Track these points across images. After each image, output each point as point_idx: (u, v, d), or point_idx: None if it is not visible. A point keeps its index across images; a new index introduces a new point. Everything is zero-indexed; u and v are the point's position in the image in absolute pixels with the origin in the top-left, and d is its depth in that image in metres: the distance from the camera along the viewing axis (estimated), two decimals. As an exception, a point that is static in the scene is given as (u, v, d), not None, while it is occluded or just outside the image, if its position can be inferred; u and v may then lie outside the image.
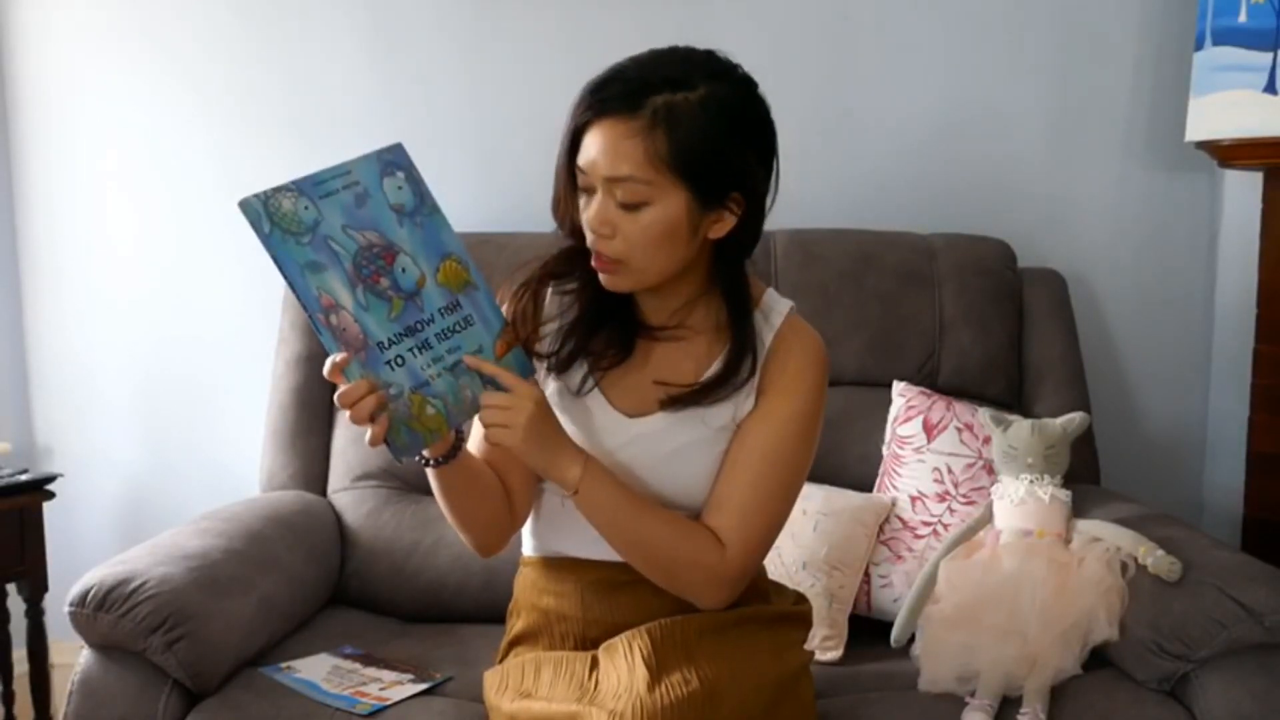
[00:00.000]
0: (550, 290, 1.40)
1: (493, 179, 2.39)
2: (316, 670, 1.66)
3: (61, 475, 2.23)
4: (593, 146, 1.25)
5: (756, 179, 1.29)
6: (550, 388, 1.39)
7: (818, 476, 1.93)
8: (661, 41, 1.30)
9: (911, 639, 1.74)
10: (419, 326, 1.21)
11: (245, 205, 1.13)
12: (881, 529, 1.92)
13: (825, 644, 1.81)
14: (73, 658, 1.65)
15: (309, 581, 1.90)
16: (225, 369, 2.48)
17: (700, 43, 1.30)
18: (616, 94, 1.24)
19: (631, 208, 1.25)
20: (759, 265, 2.09)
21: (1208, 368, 2.36)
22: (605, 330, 1.37)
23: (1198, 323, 2.36)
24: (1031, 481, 1.77)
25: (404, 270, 1.20)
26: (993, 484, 1.85)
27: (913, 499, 1.93)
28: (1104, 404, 2.28)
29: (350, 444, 2.11)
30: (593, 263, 1.30)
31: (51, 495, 2.19)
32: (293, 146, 2.41)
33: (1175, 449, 2.38)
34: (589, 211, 1.28)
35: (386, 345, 1.18)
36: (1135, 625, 1.57)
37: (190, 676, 1.56)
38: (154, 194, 2.48)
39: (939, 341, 2.11)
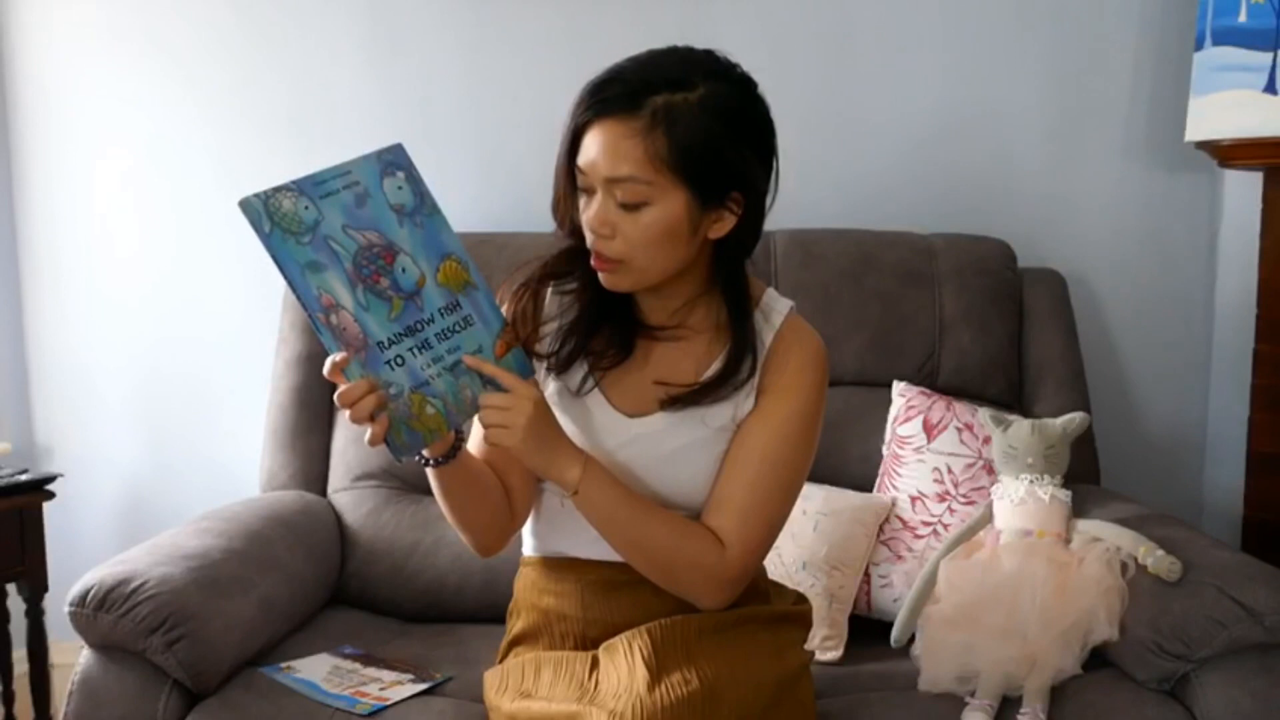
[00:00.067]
0: (550, 290, 1.40)
1: (493, 179, 2.39)
2: (316, 670, 1.66)
3: (61, 475, 2.23)
4: (592, 147, 1.25)
5: (756, 178, 1.29)
6: (550, 388, 1.39)
7: (818, 476, 1.93)
8: (661, 41, 1.30)
9: (911, 639, 1.74)
10: (419, 326, 1.21)
11: (245, 205, 1.13)
12: (881, 529, 1.92)
13: (825, 644, 1.82)
14: (73, 658, 1.65)
15: (309, 581, 1.90)
16: (225, 369, 2.48)
17: (700, 43, 1.30)
18: (616, 94, 1.24)
19: (631, 208, 1.25)
20: (759, 265, 2.09)
21: (1208, 368, 2.36)
22: (605, 330, 1.37)
23: (1198, 323, 2.36)
24: (1031, 481, 1.77)
25: (404, 270, 1.20)
26: (993, 484, 1.85)
27: (913, 499, 1.93)
28: (1104, 404, 2.28)
29: (350, 444, 2.11)
30: (592, 262, 1.30)
31: (51, 495, 2.19)
32: (293, 146, 2.41)
33: (1175, 449, 2.38)
34: (589, 212, 1.28)
35: (386, 345, 1.18)
36: (1135, 625, 1.57)
37: (190, 676, 1.56)
38: (154, 194, 2.48)
39: (939, 341, 2.11)
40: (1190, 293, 2.36)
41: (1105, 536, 1.69)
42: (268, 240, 1.13)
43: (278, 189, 1.15)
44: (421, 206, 1.23)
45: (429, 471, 1.31)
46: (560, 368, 1.37)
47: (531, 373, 1.31)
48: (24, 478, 2.16)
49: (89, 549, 2.38)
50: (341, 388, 1.17)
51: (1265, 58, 1.97)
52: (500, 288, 1.39)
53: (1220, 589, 1.52)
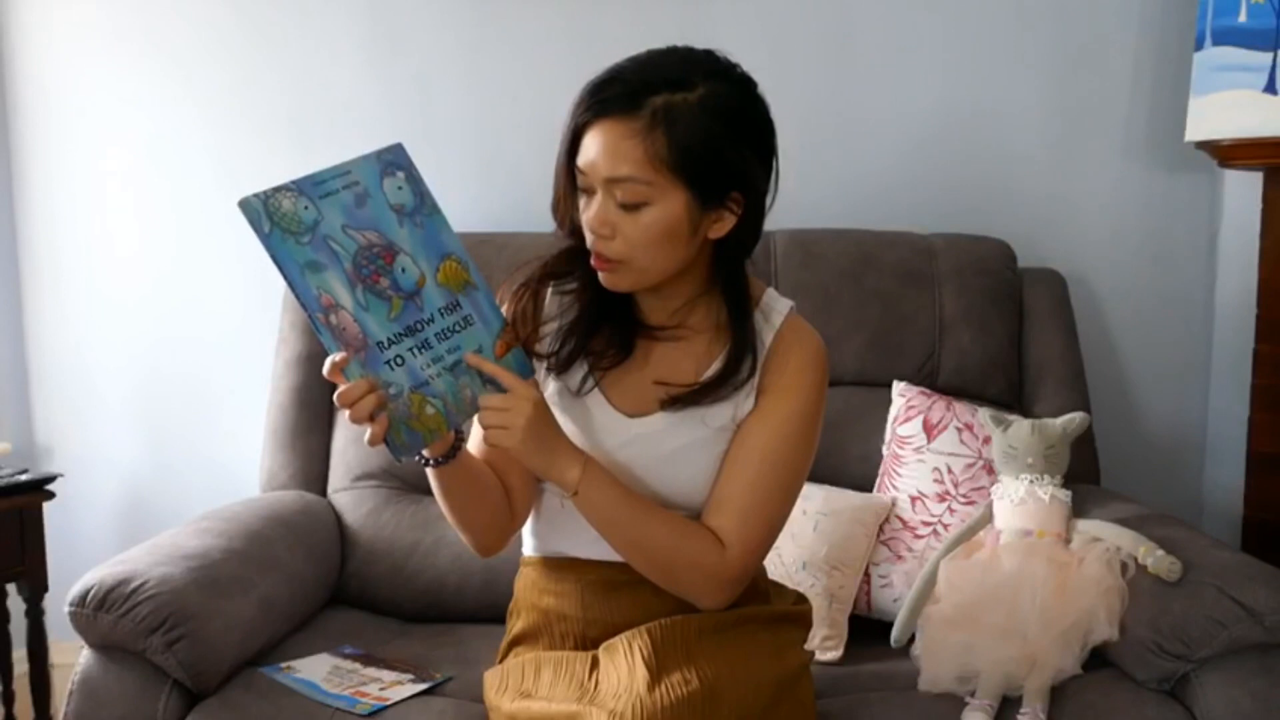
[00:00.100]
0: (550, 290, 1.40)
1: (493, 179, 2.39)
2: (316, 670, 1.66)
3: (61, 475, 2.23)
4: (592, 147, 1.25)
5: (756, 178, 1.29)
6: (550, 388, 1.39)
7: (818, 476, 1.93)
8: (661, 41, 1.30)
9: (911, 639, 1.74)
10: (419, 326, 1.21)
11: (245, 205, 1.13)
12: (881, 529, 1.92)
13: (825, 644, 1.82)
14: (73, 658, 1.65)
15: (309, 581, 1.90)
16: (225, 369, 2.48)
17: (700, 43, 1.30)
18: (616, 95, 1.23)
19: (631, 208, 1.25)
20: (759, 265, 2.09)
21: (1208, 368, 2.36)
22: (605, 330, 1.37)
23: (1198, 323, 2.36)
24: (1031, 481, 1.77)
25: (404, 270, 1.20)
26: (993, 484, 1.85)
27: (913, 499, 1.93)
28: (1104, 404, 2.28)
29: (350, 444, 2.11)
30: (592, 262, 1.30)
31: (51, 495, 2.19)
32: (293, 146, 2.41)
33: (1175, 449, 2.38)
34: (589, 212, 1.28)
35: (386, 345, 1.18)
36: (1135, 625, 1.57)
37: (190, 676, 1.56)
38: (154, 193, 2.48)
39: (939, 341, 2.11)
40: (1190, 293, 2.36)
41: (1105, 536, 1.69)
42: (267, 240, 1.13)
43: (277, 189, 1.15)
44: (421, 206, 1.23)
45: (429, 471, 1.31)
46: (560, 368, 1.37)
47: (531, 373, 1.31)
48: (24, 478, 2.16)
49: (89, 549, 2.38)
50: (341, 388, 1.17)
51: (1265, 58, 1.97)
52: (500, 288, 1.39)
53: (1220, 589, 1.52)
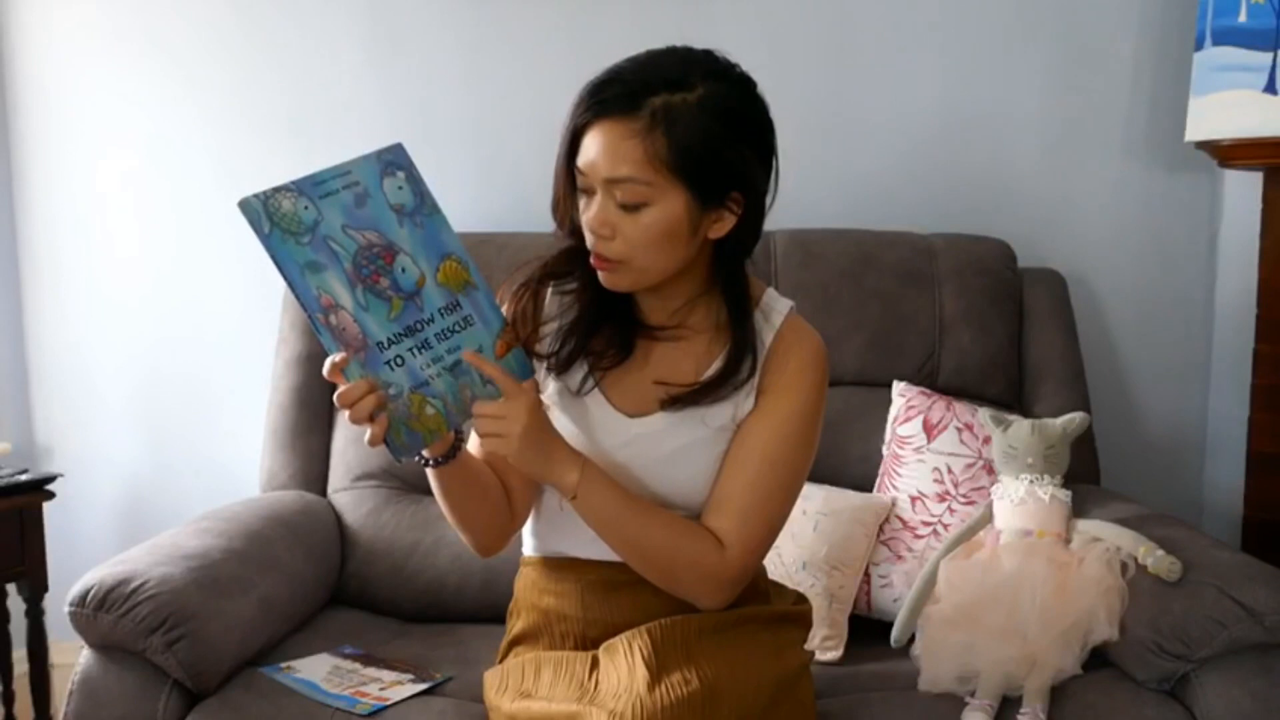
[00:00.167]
0: (550, 290, 1.40)
1: (493, 179, 2.39)
2: (316, 670, 1.66)
3: (61, 475, 2.23)
4: (592, 148, 1.25)
5: (756, 178, 1.29)
6: (550, 387, 1.39)
7: (818, 476, 1.93)
8: (661, 41, 1.30)
9: (911, 639, 1.74)
10: (419, 326, 1.21)
11: (245, 205, 1.13)
12: (881, 529, 1.92)
13: (825, 644, 1.82)
14: (73, 658, 1.65)
15: (309, 581, 1.90)
16: (225, 369, 2.48)
17: (700, 43, 1.30)
18: (615, 95, 1.23)
19: (631, 208, 1.25)
20: (759, 265, 2.09)
21: (1208, 368, 2.36)
22: (605, 330, 1.37)
23: (1198, 323, 2.36)
24: (1031, 481, 1.77)
25: (404, 270, 1.20)
26: (993, 484, 1.85)
27: (913, 499, 1.93)
28: (1104, 404, 2.28)
29: (350, 444, 2.11)
30: (592, 262, 1.30)
31: (51, 495, 2.19)
32: (293, 146, 2.41)
33: (1175, 449, 2.38)
34: (589, 213, 1.28)
35: (386, 345, 1.18)
36: (1135, 625, 1.57)
37: (190, 676, 1.56)
38: (154, 194, 2.48)
39: (939, 341, 2.11)
40: (1190, 293, 2.36)
41: (1105, 536, 1.69)
42: (267, 241, 1.13)
43: (277, 189, 1.15)
44: (421, 206, 1.23)
45: (429, 472, 1.31)
46: (560, 368, 1.37)
47: (532, 373, 1.31)
48: (24, 478, 2.16)
49: (89, 549, 2.38)
50: (341, 388, 1.17)
51: (1265, 58, 1.97)
52: (500, 288, 1.39)
53: (1220, 589, 1.52)
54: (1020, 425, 1.81)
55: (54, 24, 2.46)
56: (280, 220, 1.14)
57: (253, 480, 2.18)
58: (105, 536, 2.50)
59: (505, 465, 1.36)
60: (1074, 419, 1.82)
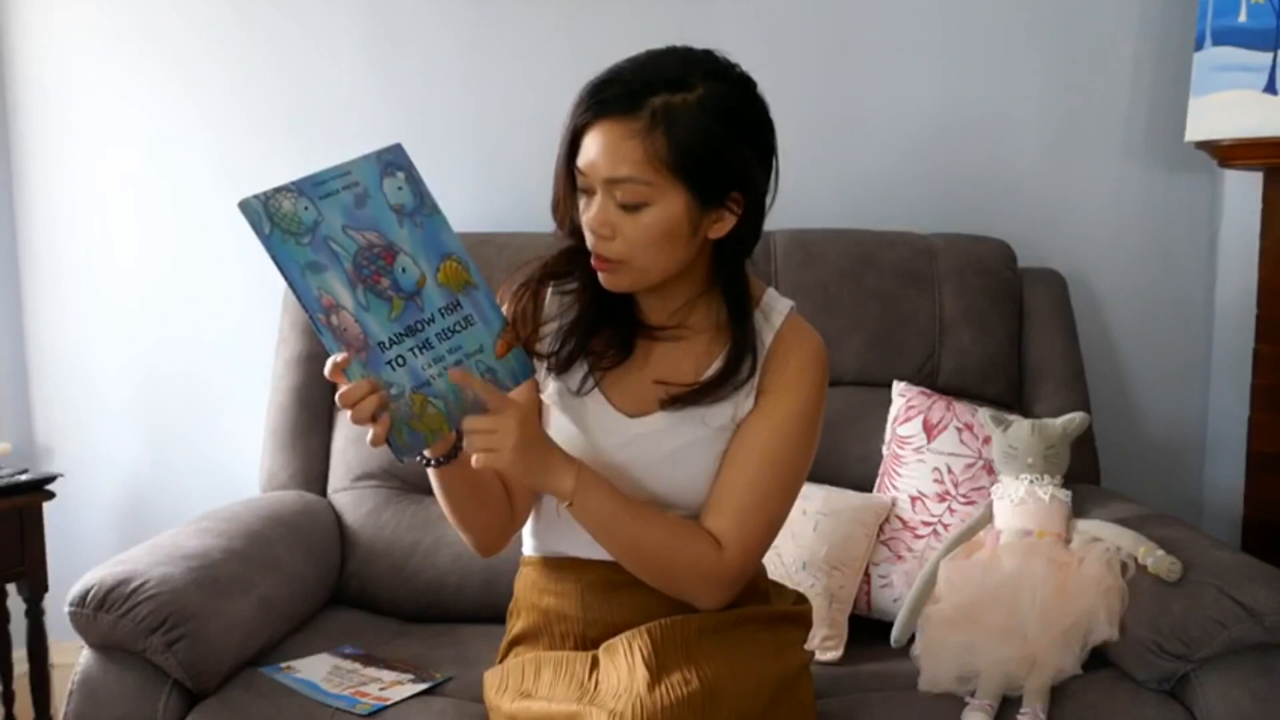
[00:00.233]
0: (550, 290, 1.40)
1: (493, 179, 2.39)
2: (316, 670, 1.66)
3: (61, 475, 2.23)
4: (592, 148, 1.25)
5: (756, 178, 1.29)
6: (550, 387, 1.39)
7: (818, 476, 1.93)
8: (661, 41, 1.30)
9: (911, 639, 1.74)
10: (419, 326, 1.21)
11: (245, 206, 1.13)
12: (881, 529, 1.92)
13: (825, 644, 1.82)
14: (73, 658, 1.65)
15: (309, 581, 1.90)
16: (225, 369, 2.48)
17: (700, 43, 1.30)
18: (615, 95, 1.23)
19: (631, 209, 1.25)
20: (759, 265, 2.09)
21: (1208, 368, 2.36)
22: (605, 330, 1.37)
23: (1198, 323, 2.36)
24: (1031, 481, 1.77)
25: (404, 270, 1.20)
26: (993, 484, 1.85)
27: (913, 499, 1.93)
28: (1104, 404, 2.28)
29: (350, 444, 2.11)
30: (592, 262, 1.30)
31: (51, 495, 2.19)
32: (293, 146, 2.41)
33: (1175, 449, 2.38)
34: (589, 213, 1.28)
35: (387, 345, 1.18)
36: (1135, 625, 1.57)
37: (190, 676, 1.56)
38: (154, 194, 2.48)
39: (939, 341, 2.11)
40: (1190, 293, 2.36)
41: (1105, 536, 1.69)
42: (268, 241, 1.13)
43: (277, 190, 1.15)
44: (421, 206, 1.23)
45: (430, 471, 1.31)
46: (560, 368, 1.37)
47: (532, 372, 1.31)
48: (24, 478, 2.16)
49: (89, 549, 2.38)
50: (343, 388, 1.17)
51: (1265, 58, 1.97)
52: (500, 288, 1.39)
53: (1220, 589, 1.52)
54: (1020, 425, 1.81)
55: (54, 24, 2.46)
56: (281, 221, 1.14)
57: (253, 480, 2.18)
58: (105, 536, 2.50)
59: (504, 468, 1.37)
60: (1074, 419, 1.82)
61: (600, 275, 1.31)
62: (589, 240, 1.29)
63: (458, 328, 1.23)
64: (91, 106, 2.47)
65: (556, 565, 1.42)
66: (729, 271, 1.34)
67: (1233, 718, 1.48)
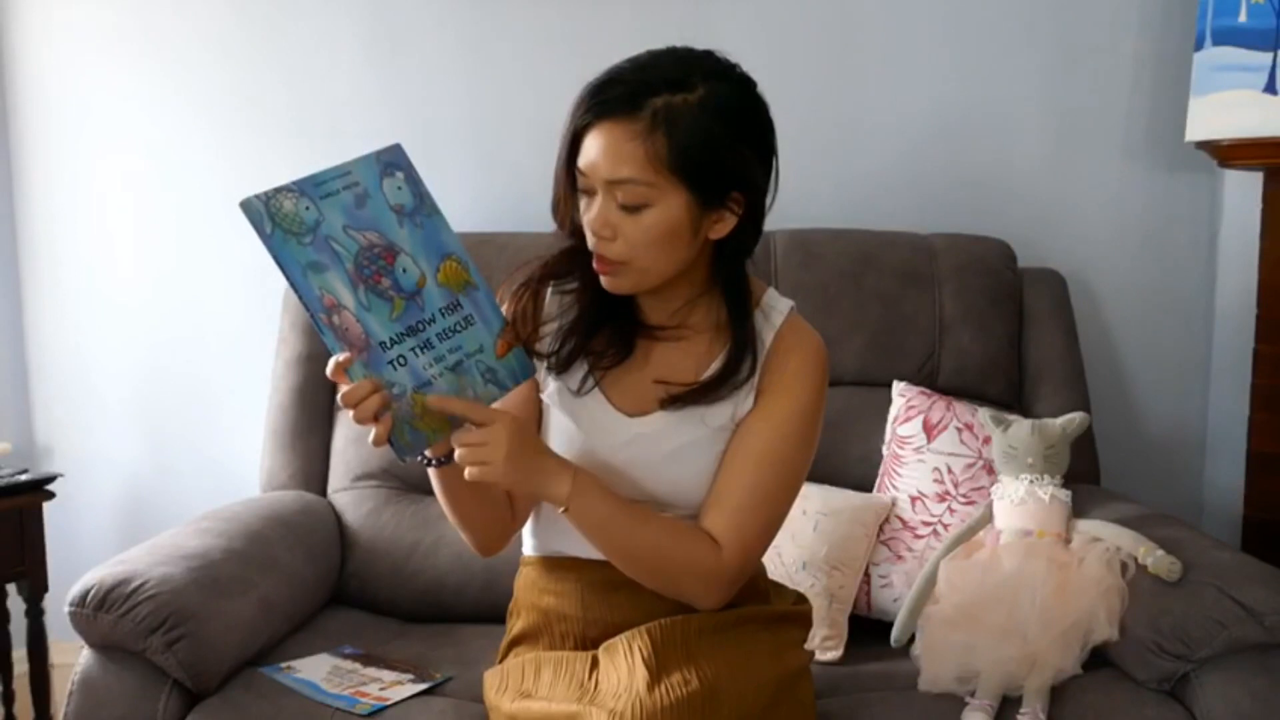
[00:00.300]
0: (550, 290, 1.40)
1: (493, 179, 2.39)
2: (316, 670, 1.66)
3: (61, 475, 2.23)
4: (593, 149, 1.25)
5: (756, 178, 1.29)
6: (550, 387, 1.39)
7: (818, 476, 1.93)
8: (661, 41, 1.30)
9: (911, 639, 1.74)
10: (420, 326, 1.21)
11: (247, 205, 1.13)
12: (881, 529, 1.92)
13: (825, 644, 1.82)
14: (73, 658, 1.65)
15: (309, 581, 1.90)
16: (225, 369, 2.48)
17: (700, 43, 1.30)
18: (616, 96, 1.23)
19: (632, 209, 1.25)
20: (759, 265, 2.09)
21: (1208, 368, 2.36)
22: (605, 330, 1.37)
23: (1198, 323, 2.36)
24: (1031, 481, 1.77)
25: (405, 270, 1.20)
26: (993, 484, 1.85)
27: (913, 499, 1.93)
28: (1104, 404, 2.28)
29: (350, 444, 2.11)
30: (594, 265, 1.30)
31: (51, 495, 2.19)
32: (293, 146, 2.41)
33: (1175, 449, 2.38)
34: (590, 214, 1.28)
35: (389, 345, 1.18)
36: (1135, 625, 1.57)
37: (190, 676, 1.56)
38: (154, 194, 2.48)
39: (939, 341, 2.11)
40: (1190, 293, 2.36)
41: (1105, 536, 1.69)
42: (269, 241, 1.13)
43: (279, 190, 1.15)
44: (421, 206, 1.23)
45: (431, 471, 1.31)
46: (560, 367, 1.37)
47: (533, 372, 1.31)
48: (24, 478, 2.16)
49: (89, 549, 2.38)
50: (345, 388, 1.17)
51: (1265, 58, 1.97)
52: (500, 288, 1.39)
53: (1220, 589, 1.52)
54: (1020, 425, 1.81)
55: (54, 24, 2.46)
56: (282, 221, 1.14)
57: (253, 480, 2.18)
58: (105, 536, 2.50)
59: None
60: (1074, 419, 1.82)
61: (602, 279, 1.31)
62: (590, 241, 1.29)
63: (458, 328, 1.23)
64: (91, 106, 2.47)
65: (556, 565, 1.42)
66: (729, 271, 1.34)
67: (1233, 718, 1.48)
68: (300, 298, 1.15)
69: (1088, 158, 2.35)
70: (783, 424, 1.34)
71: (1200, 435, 2.38)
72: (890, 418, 2.02)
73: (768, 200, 1.33)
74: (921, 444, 1.96)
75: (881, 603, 1.90)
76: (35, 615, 2.20)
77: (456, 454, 1.24)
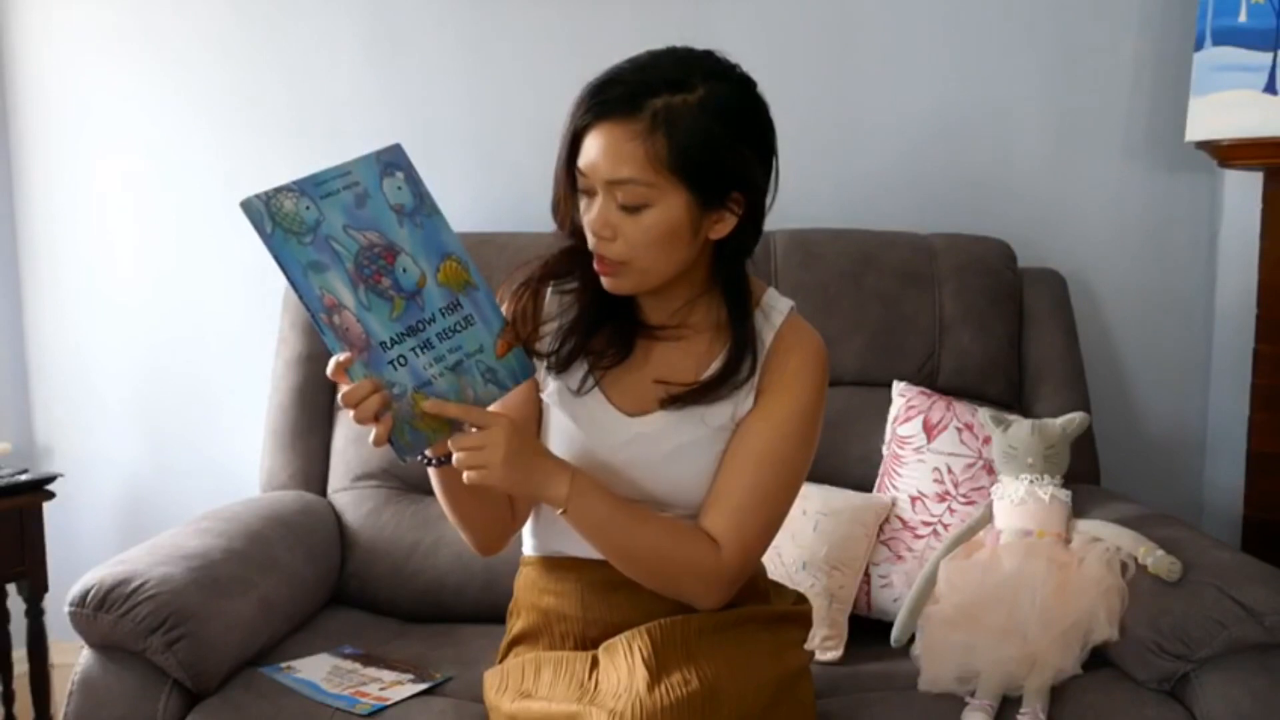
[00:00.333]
0: (550, 290, 1.40)
1: (493, 179, 2.39)
2: (316, 670, 1.66)
3: (61, 475, 2.23)
4: (593, 149, 1.25)
5: (756, 178, 1.29)
6: (550, 387, 1.39)
7: (818, 476, 1.93)
8: (661, 41, 1.30)
9: (911, 639, 1.74)
10: (420, 326, 1.21)
11: (247, 205, 1.13)
12: (881, 529, 1.92)
13: (825, 644, 1.82)
14: (73, 658, 1.65)
15: (309, 581, 1.90)
16: (225, 369, 2.48)
17: (700, 43, 1.30)
18: (616, 96, 1.23)
19: (632, 210, 1.25)
20: (759, 265, 2.09)
21: (1208, 368, 2.36)
22: (605, 329, 1.37)
23: (1198, 323, 2.36)
24: (1031, 481, 1.77)
25: (405, 270, 1.20)
26: (993, 484, 1.85)
27: (913, 499, 1.93)
28: (1104, 404, 2.28)
29: (350, 444, 2.11)
30: (595, 266, 1.30)
31: (51, 495, 2.19)
32: (293, 146, 2.41)
33: (1175, 449, 2.38)
34: (590, 214, 1.28)
35: (389, 345, 1.18)
36: (1135, 625, 1.57)
37: (190, 676, 1.56)
38: (154, 194, 2.48)
39: (939, 341, 2.11)
40: (1190, 293, 2.36)
41: (1105, 536, 1.69)
42: (270, 241, 1.13)
43: (279, 189, 1.15)
44: (421, 206, 1.23)
45: (431, 471, 1.31)
46: (560, 367, 1.37)
47: (532, 372, 1.31)
48: (24, 478, 2.16)
49: (89, 549, 2.38)
50: (345, 388, 1.17)
51: (1265, 58, 1.97)
52: (500, 288, 1.39)
53: (1220, 589, 1.52)
54: (1020, 425, 1.81)
55: (54, 24, 2.46)
56: (283, 220, 1.14)
57: (253, 480, 2.18)
58: (105, 536, 2.50)
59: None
60: (1074, 419, 1.82)
61: (603, 279, 1.31)
62: (590, 241, 1.29)
63: (458, 327, 1.23)
64: (91, 106, 2.47)
65: (556, 565, 1.42)
66: (729, 271, 1.34)
67: (1233, 718, 1.48)
68: (300, 297, 1.15)
69: (1088, 158, 2.35)
70: (783, 424, 1.34)
71: (1200, 435, 2.38)
72: (890, 418, 2.02)
73: (768, 200, 1.33)
74: (921, 444, 1.96)
75: (881, 603, 1.90)
76: (35, 615, 2.20)
77: (454, 458, 1.24)
